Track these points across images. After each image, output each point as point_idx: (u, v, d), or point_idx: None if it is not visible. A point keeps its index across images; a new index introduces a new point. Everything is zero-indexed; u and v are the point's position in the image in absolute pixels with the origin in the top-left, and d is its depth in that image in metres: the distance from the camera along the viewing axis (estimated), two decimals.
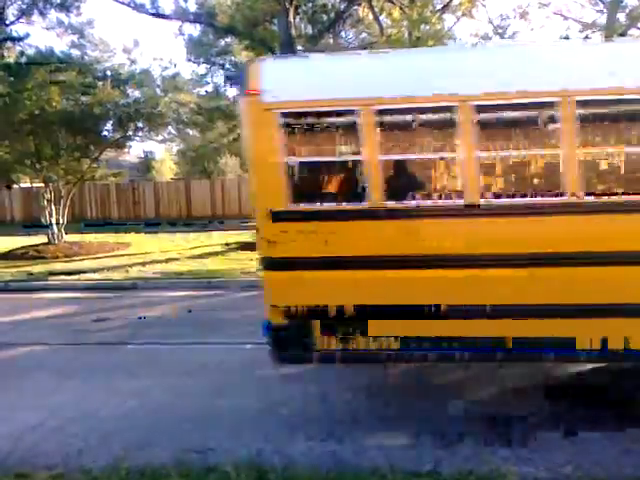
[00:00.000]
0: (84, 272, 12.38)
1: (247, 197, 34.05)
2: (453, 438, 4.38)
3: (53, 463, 4.17)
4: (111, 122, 16.81)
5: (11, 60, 16.20)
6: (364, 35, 27.81)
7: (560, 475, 3.79)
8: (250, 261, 12.88)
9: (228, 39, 28.77)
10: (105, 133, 17.39)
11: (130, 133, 17.66)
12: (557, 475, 3.80)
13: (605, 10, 14.14)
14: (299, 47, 17.63)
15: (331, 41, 28.64)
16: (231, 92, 34.73)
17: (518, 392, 5.19)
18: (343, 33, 33.73)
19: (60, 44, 24.20)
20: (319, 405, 5.13)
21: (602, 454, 4.04)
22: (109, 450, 4.34)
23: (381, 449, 4.25)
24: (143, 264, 13.10)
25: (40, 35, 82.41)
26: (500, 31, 14.27)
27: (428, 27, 15.23)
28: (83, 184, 21.89)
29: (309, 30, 26.97)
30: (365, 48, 25.83)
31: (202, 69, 37.72)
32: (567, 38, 14.32)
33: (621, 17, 14.26)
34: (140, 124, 17.08)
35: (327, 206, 4.59)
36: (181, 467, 3.90)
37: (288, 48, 16.22)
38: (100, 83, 15.74)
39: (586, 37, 14.42)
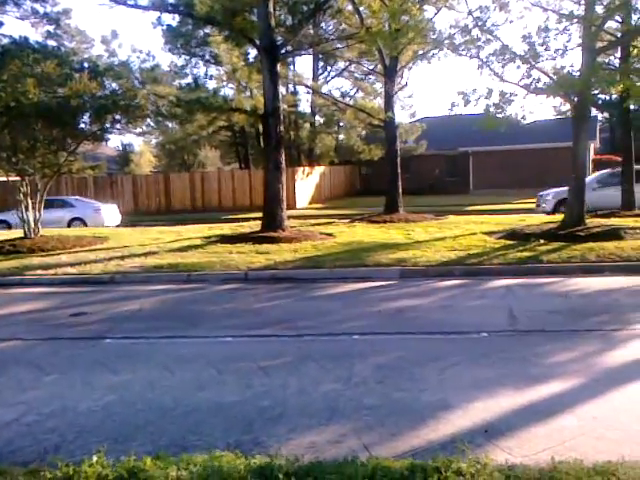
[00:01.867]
0: (61, 266, 12.24)
1: (227, 189, 33.91)
2: (429, 428, 4.42)
3: (29, 459, 4.12)
4: (88, 114, 16.59)
5: None
6: (344, 26, 27.76)
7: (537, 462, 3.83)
8: (230, 254, 12.83)
9: (207, 29, 28.57)
10: (82, 125, 17.17)
11: (107, 125, 17.46)
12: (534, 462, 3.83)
13: (583, 2, 14.21)
14: (279, 38, 17.52)
15: (311, 32, 28.59)
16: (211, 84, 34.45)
17: None
18: (323, 24, 33.74)
19: (35, 35, 23.83)
20: (299, 397, 5.14)
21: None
22: (87, 445, 4.30)
23: (360, 438, 4.27)
24: (121, 258, 12.98)
25: (14, 25, 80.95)
26: (480, 23, 14.22)
27: (408, 18, 15.19)
28: (60, 177, 21.60)
29: (289, 20, 26.92)
30: (345, 39, 25.85)
31: (181, 60, 37.50)
32: (546, 30, 14.36)
33: (599, 9, 14.35)
34: (118, 116, 16.88)
35: None
36: (160, 461, 3.87)
37: (267, 38, 16.13)
38: (77, 75, 15.53)
39: (565, 29, 14.47)
